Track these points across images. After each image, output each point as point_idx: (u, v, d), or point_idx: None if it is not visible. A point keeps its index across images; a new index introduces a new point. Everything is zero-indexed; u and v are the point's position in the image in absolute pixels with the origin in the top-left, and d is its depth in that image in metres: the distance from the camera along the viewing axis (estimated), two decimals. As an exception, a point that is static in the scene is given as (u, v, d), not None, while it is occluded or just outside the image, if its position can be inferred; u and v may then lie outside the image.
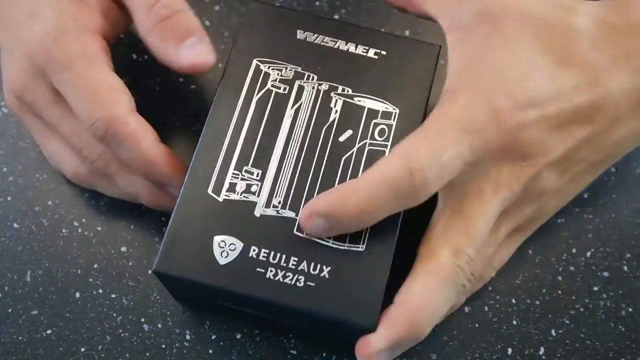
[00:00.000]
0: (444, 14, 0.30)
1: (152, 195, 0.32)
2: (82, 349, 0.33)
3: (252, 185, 0.29)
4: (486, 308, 0.34)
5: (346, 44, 0.32)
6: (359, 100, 0.31)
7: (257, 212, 0.29)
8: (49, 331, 0.33)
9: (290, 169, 0.29)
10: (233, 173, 0.29)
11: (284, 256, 0.28)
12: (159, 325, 0.33)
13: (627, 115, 0.29)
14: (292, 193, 0.29)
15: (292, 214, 0.29)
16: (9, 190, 0.36)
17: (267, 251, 0.28)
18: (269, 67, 0.31)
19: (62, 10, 0.31)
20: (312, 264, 0.28)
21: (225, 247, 0.28)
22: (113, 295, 0.34)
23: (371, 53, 0.32)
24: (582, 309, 0.34)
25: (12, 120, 0.37)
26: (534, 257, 0.35)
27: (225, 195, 0.29)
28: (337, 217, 0.27)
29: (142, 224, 0.35)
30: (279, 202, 0.29)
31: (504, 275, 0.35)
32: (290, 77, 0.31)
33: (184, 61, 0.30)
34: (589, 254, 0.35)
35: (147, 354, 0.33)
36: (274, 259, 0.28)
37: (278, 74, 0.31)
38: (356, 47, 0.32)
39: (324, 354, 0.33)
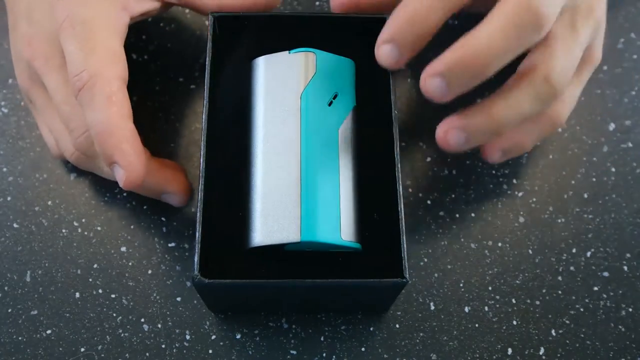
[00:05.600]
0: None
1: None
2: (82, 349, 0.33)
3: None
4: (486, 308, 0.34)
5: None
6: None
7: None
8: (48, 331, 0.33)
9: None
10: None
11: None
12: (159, 325, 0.33)
13: None
14: None
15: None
16: (9, 190, 0.36)
17: None
18: None
19: None
20: None
21: None
22: (113, 295, 0.34)
23: None
24: (582, 309, 0.34)
25: (12, 120, 0.37)
26: (534, 257, 0.35)
27: None
28: (457, 69, 0.28)
29: (142, 224, 0.35)
30: None
31: (503, 275, 0.35)
32: None
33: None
34: (589, 254, 0.35)
35: (147, 354, 0.32)
36: None
37: None
38: None
39: (324, 354, 0.33)
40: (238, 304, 0.33)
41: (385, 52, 0.29)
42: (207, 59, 0.31)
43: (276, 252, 0.29)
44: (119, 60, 0.31)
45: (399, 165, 0.30)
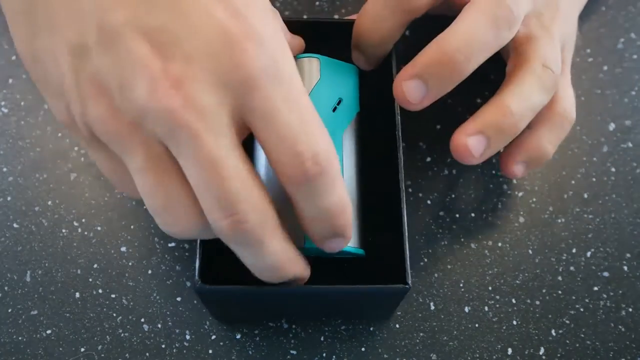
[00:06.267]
0: None
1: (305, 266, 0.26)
2: (82, 349, 0.33)
3: None
4: (486, 308, 0.34)
5: None
6: None
7: None
8: (48, 331, 0.33)
9: None
10: None
11: None
12: (159, 325, 0.33)
13: None
14: None
15: None
16: (9, 190, 0.36)
17: None
18: None
19: None
20: None
21: None
22: (113, 295, 0.34)
23: None
24: (582, 309, 0.34)
25: (12, 120, 0.37)
26: (534, 257, 0.35)
27: None
28: (435, 67, 0.27)
29: (142, 224, 0.35)
30: None
31: (504, 275, 0.35)
32: None
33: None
34: (589, 254, 0.35)
35: (147, 354, 0.32)
36: None
37: None
38: None
39: (324, 354, 0.33)
40: (241, 311, 0.32)
41: (355, 58, 0.31)
42: None
43: None
44: None
45: (402, 173, 0.30)
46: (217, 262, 0.29)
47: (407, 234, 0.29)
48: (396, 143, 0.30)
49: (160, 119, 0.21)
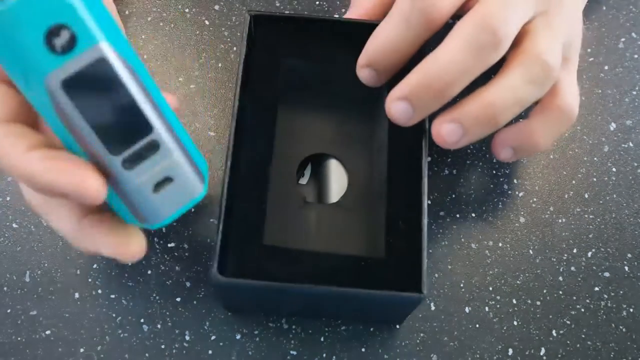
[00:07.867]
0: None
1: (74, 232, 0.26)
2: (82, 350, 0.32)
3: None
4: (487, 308, 0.34)
5: None
6: None
7: None
8: (48, 332, 0.33)
9: None
10: None
11: None
12: (159, 326, 0.33)
13: None
14: None
15: None
16: (9, 190, 0.36)
17: None
18: None
19: None
20: None
21: None
22: (113, 296, 0.34)
23: None
24: (583, 310, 0.34)
25: (11, 120, 0.37)
26: (535, 258, 0.35)
27: None
28: (420, 91, 0.28)
29: (142, 224, 0.35)
30: None
31: (504, 276, 0.35)
32: None
33: None
34: (590, 254, 0.35)
35: (147, 354, 0.32)
36: None
37: None
38: None
39: (324, 354, 0.33)
40: (250, 303, 0.32)
41: (363, 74, 0.31)
42: (240, 57, 0.31)
43: (289, 253, 0.29)
44: None
45: (426, 178, 0.30)
46: (232, 253, 0.29)
47: (426, 242, 0.29)
48: (421, 149, 0.30)
49: None
